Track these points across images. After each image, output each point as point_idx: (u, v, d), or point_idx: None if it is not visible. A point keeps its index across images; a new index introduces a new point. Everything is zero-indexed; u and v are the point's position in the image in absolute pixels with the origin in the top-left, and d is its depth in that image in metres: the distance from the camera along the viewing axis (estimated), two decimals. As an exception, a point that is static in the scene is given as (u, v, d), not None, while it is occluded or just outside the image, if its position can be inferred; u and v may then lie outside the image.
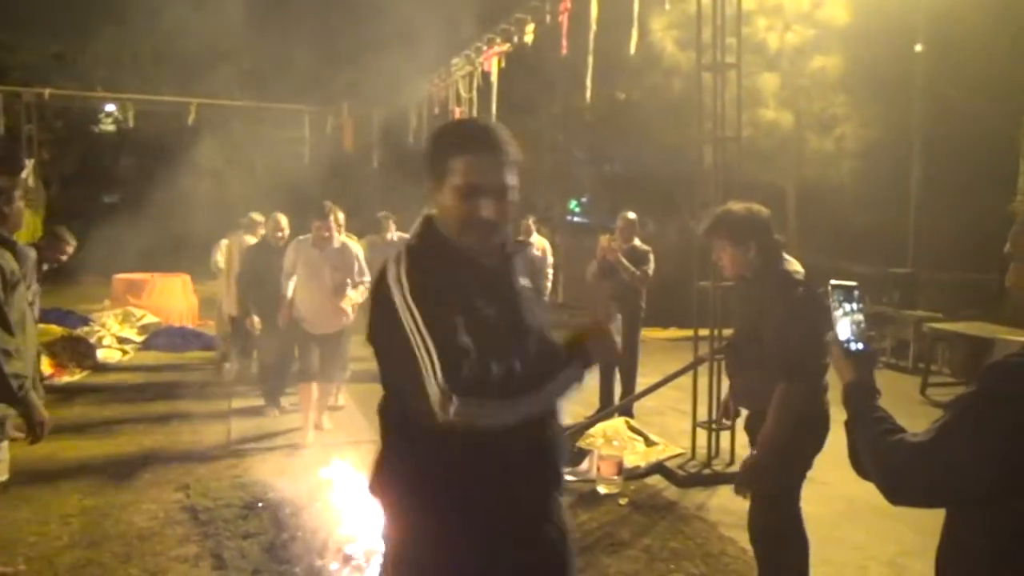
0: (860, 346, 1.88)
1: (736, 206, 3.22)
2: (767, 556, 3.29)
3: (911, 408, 8.13)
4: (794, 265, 3.14)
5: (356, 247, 6.43)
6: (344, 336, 6.35)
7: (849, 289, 1.92)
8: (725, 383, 5.57)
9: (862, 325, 1.91)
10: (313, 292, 5.98)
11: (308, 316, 6.01)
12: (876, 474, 1.71)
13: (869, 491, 5.21)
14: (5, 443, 3.51)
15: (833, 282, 1.92)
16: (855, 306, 1.91)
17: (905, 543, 4.42)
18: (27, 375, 3.20)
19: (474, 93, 10.61)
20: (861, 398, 1.82)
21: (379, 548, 3.88)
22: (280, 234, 6.69)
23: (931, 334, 8.91)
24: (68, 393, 7.72)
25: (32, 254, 4.21)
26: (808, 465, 3.20)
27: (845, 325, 1.90)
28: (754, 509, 3.24)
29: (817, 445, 3.15)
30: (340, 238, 6.22)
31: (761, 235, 3.11)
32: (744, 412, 3.47)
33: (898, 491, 1.67)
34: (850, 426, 1.83)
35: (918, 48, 13.08)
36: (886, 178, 13.37)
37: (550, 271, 9.53)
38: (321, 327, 6.04)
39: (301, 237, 6.11)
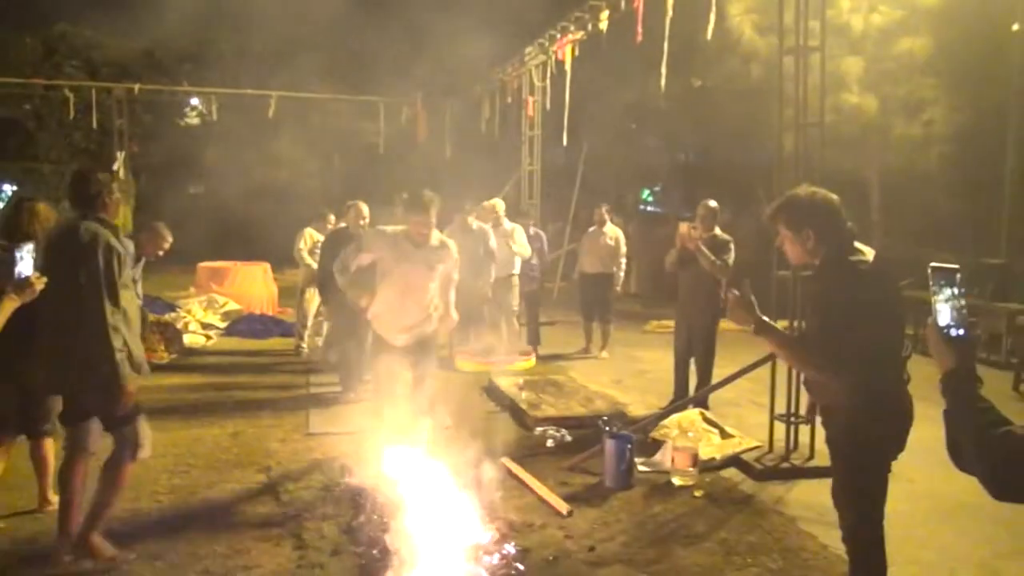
0: (961, 332, 1.80)
1: (802, 191, 3.11)
2: (858, 566, 3.15)
3: (1004, 404, 7.67)
4: (867, 255, 2.96)
5: (454, 246, 5.22)
6: (431, 343, 5.32)
7: (950, 272, 1.84)
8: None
9: (963, 310, 1.82)
10: (401, 295, 5.00)
11: (388, 322, 5.08)
12: (981, 468, 1.65)
13: (957, 488, 5.07)
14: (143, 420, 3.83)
15: (933, 264, 1.85)
16: (956, 290, 1.82)
17: (998, 544, 4.24)
18: (121, 348, 3.56)
19: (547, 82, 10.59)
20: (962, 386, 1.75)
21: (452, 529, 3.93)
22: (363, 222, 6.80)
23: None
24: (156, 376, 8.04)
25: (130, 246, 4.42)
26: (886, 471, 3.05)
27: (945, 310, 1.83)
28: (848, 513, 3.12)
29: (899, 446, 3.01)
30: (437, 235, 5.13)
31: (821, 222, 2.97)
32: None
33: (1006, 487, 1.63)
34: (950, 416, 1.77)
35: (1015, 27, 12.42)
36: (978, 164, 12.78)
37: (623, 260, 9.45)
38: (403, 336, 5.07)
39: (388, 228, 5.16)
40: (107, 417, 3.78)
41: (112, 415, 3.73)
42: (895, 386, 2.93)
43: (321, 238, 8.98)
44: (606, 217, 9.54)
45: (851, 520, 3.09)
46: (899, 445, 3.01)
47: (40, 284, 3.35)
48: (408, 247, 4.89)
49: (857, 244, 3.00)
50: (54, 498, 4.27)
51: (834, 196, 3.05)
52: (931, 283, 1.84)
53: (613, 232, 9.43)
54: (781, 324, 5.56)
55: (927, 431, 6.60)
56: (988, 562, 4.02)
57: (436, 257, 4.96)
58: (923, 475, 5.34)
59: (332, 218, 9.13)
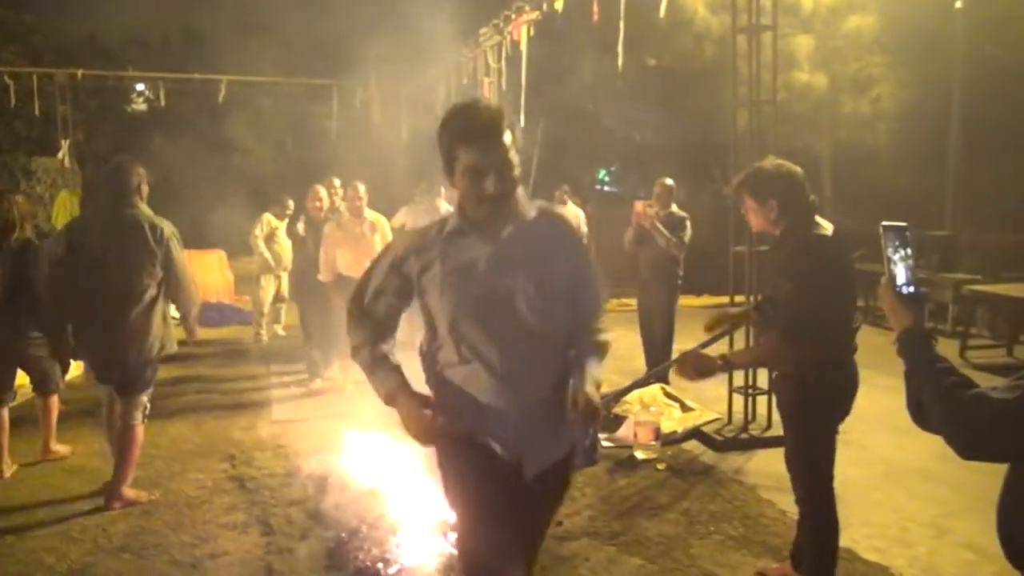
0: (912, 289, 1.80)
1: (768, 163, 3.21)
2: (812, 513, 3.30)
3: (950, 372, 8.02)
4: (826, 230, 3.07)
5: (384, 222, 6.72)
6: None
7: (900, 230, 1.84)
8: (762, 349, 5.57)
9: (913, 267, 1.83)
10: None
11: None
12: (951, 428, 1.64)
13: (908, 453, 5.25)
14: None
15: (884, 223, 1.84)
16: (907, 249, 1.82)
17: (947, 504, 4.41)
18: (161, 321, 4.35)
19: (503, 63, 10.55)
20: (920, 346, 1.73)
21: (419, 510, 3.96)
22: (358, 203, 6.69)
23: (971, 297, 8.77)
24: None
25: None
26: (834, 434, 3.21)
27: (900, 269, 1.82)
28: (798, 466, 3.27)
29: (845, 411, 3.17)
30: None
31: (785, 194, 3.09)
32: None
33: (978, 447, 1.61)
34: (911, 376, 1.75)
35: (958, 4, 12.71)
36: (924, 140, 13.09)
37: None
38: None
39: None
40: (135, 382, 4.29)
41: (142, 381, 4.32)
42: (846, 355, 3.10)
43: (280, 225, 8.88)
44: (566, 198, 9.59)
45: (803, 482, 3.25)
46: (846, 410, 3.17)
47: None
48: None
49: (817, 218, 3.10)
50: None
51: (798, 169, 3.15)
52: (883, 242, 1.82)
53: (573, 212, 9.49)
54: (739, 298, 5.71)
55: (879, 399, 6.80)
56: (938, 521, 4.18)
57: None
58: (876, 441, 5.53)
59: (291, 204, 9.02)
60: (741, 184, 3.22)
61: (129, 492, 4.37)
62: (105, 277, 4.12)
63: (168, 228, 4.27)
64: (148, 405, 4.41)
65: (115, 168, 4.32)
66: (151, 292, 4.21)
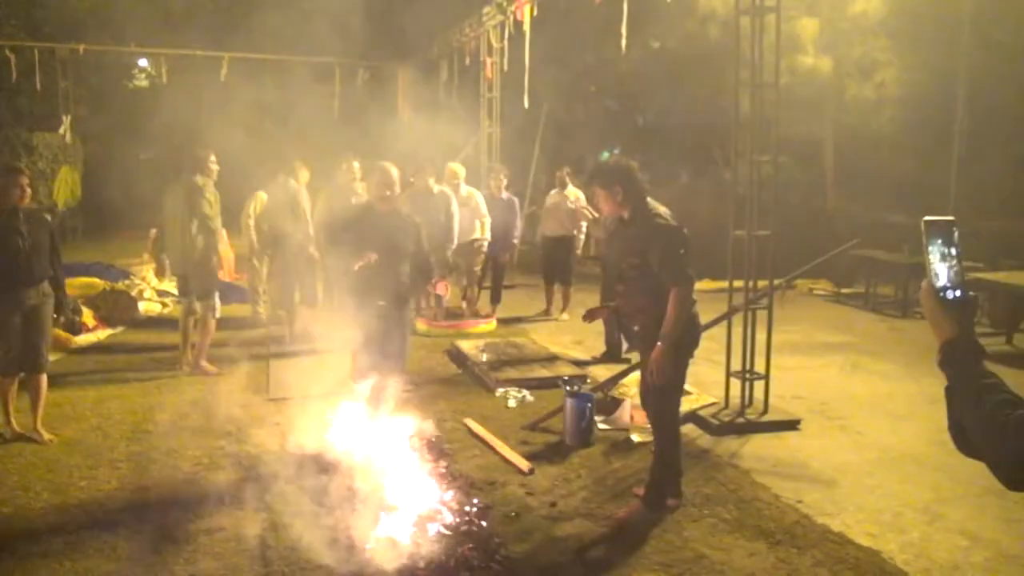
0: (958, 293, 1.55)
1: (610, 159, 4.19)
2: (660, 434, 4.10)
3: (949, 359, 8.01)
4: (660, 208, 3.93)
5: None
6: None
7: (945, 226, 1.58)
8: (761, 333, 5.58)
9: (959, 269, 1.57)
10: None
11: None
12: (997, 455, 1.41)
13: (903, 439, 5.27)
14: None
15: (927, 218, 1.60)
16: (952, 248, 1.57)
17: (941, 491, 4.42)
18: (214, 247, 6.76)
19: (505, 43, 10.48)
20: (965, 358, 1.50)
21: (415, 489, 3.98)
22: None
23: (971, 284, 8.71)
24: (112, 345, 7.94)
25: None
26: (685, 367, 4.02)
27: (942, 269, 1.57)
28: (653, 397, 4.04)
29: (693, 346, 4.03)
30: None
31: (627, 181, 3.91)
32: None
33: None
34: (953, 394, 1.52)
35: (965, -12, 12.61)
36: (928, 126, 13.02)
37: (584, 223, 9.45)
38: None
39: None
40: (205, 288, 6.57)
41: (209, 288, 6.61)
42: (694, 304, 3.98)
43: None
44: (567, 180, 9.55)
45: (655, 407, 4.08)
46: (693, 347, 4.03)
47: None
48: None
49: (650, 200, 3.95)
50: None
51: (632, 162, 4.04)
52: (924, 239, 1.58)
53: (574, 194, 9.44)
54: (737, 283, 5.70)
55: (876, 385, 6.81)
56: (931, 507, 4.19)
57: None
58: (871, 427, 5.54)
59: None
60: (591, 178, 4.14)
61: (206, 365, 6.64)
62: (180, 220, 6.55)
63: (208, 192, 6.69)
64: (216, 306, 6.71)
65: (193, 153, 6.65)
66: (209, 228, 6.60)
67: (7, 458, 4.70)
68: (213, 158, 6.78)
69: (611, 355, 7.35)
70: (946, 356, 1.53)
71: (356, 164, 8.30)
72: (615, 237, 4.18)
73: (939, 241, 1.58)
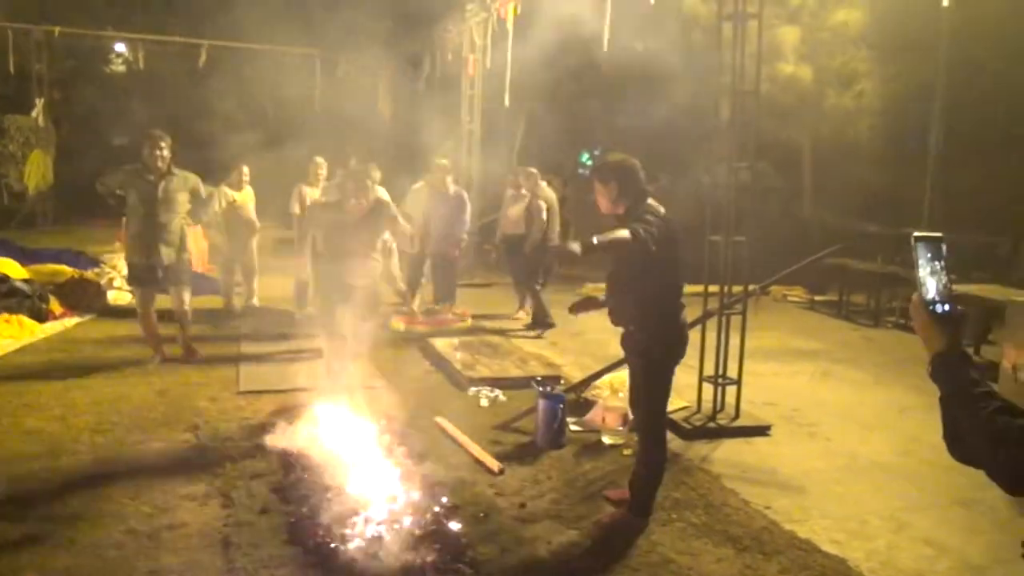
0: (947, 308, 1.62)
1: (611, 156, 4.01)
2: (643, 441, 4.03)
3: (919, 368, 8.06)
4: (659, 210, 3.82)
5: None
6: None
7: (934, 241, 1.65)
8: (735, 339, 5.60)
9: (947, 283, 1.65)
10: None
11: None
12: (995, 462, 1.47)
13: (871, 448, 5.29)
14: None
15: (916, 233, 1.67)
16: (940, 262, 1.64)
17: (907, 499, 4.45)
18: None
19: (488, 40, 10.45)
20: (957, 370, 1.56)
21: (383, 487, 3.94)
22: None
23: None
24: (78, 334, 7.80)
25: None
26: (671, 374, 3.95)
27: (931, 283, 1.64)
28: (639, 404, 4.03)
29: (679, 355, 3.94)
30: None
31: (623, 178, 3.85)
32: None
33: None
34: (947, 402, 1.58)
35: (945, 2, 12.74)
36: (905, 137, 13.17)
37: (557, 224, 9.36)
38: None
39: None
40: (180, 277, 6.50)
41: (185, 276, 6.56)
42: (677, 309, 3.91)
43: (237, 195, 8.69)
44: (541, 182, 9.56)
45: (644, 414, 4.01)
46: (680, 354, 3.94)
47: None
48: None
49: (652, 201, 3.84)
50: None
51: (635, 161, 3.90)
52: (914, 254, 1.65)
53: (546, 194, 9.43)
54: (712, 288, 5.71)
55: (846, 393, 6.85)
56: (897, 515, 4.22)
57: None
58: (840, 434, 5.58)
59: (245, 170, 8.80)
60: (592, 174, 4.08)
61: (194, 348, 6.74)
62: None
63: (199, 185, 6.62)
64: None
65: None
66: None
67: (-35, 447, 4.59)
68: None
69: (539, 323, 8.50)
70: (937, 368, 1.59)
71: (319, 159, 8.31)
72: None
73: (928, 256, 1.65)
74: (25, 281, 8.14)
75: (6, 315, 7.45)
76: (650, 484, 3.99)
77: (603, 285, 4.17)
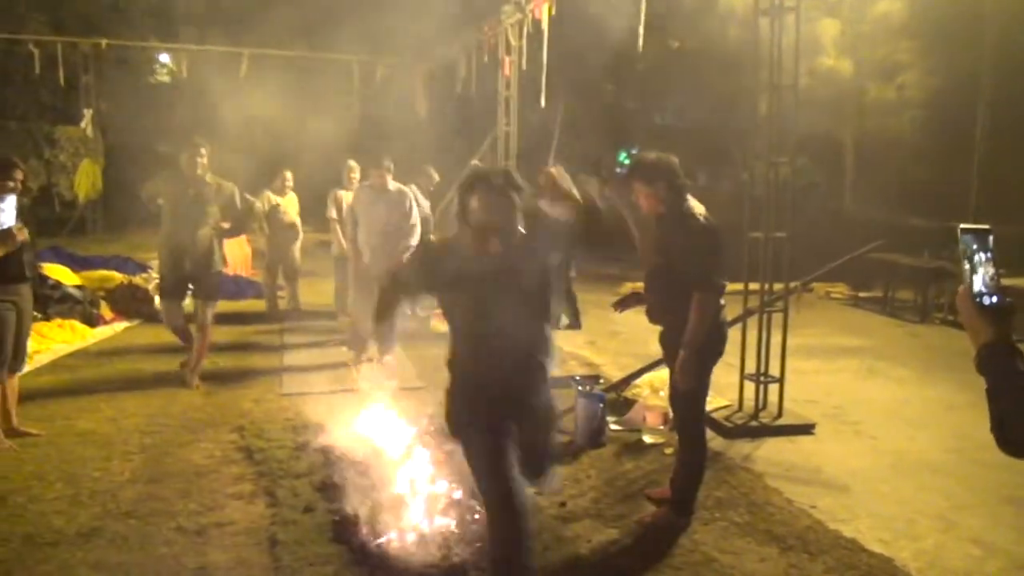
0: (994, 299, 1.63)
1: (648, 154, 3.91)
2: (684, 439, 3.99)
3: (967, 364, 7.88)
4: (698, 207, 3.79)
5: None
6: None
7: (981, 234, 1.66)
8: (776, 336, 5.54)
9: (994, 275, 1.65)
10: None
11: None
12: None
13: (918, 446, 5.20)
14: None
15: (963, 226, 1.67)
16: (987, 254, 1.65)
17: (956, 498, 4.36)
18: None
19: (523, 41, 10.46)
20: (1004, 361, 1.56)
21: (424, 487, 3.98)
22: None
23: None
24: (127, 338, 8.00)
25: None
26: (710, 373, 3.93)
27: (978, 276, 1.64)
28: (677, 403, 4.00)
29: (719, 353, 3.91)
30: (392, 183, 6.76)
31: (669, 177, 3.78)
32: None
33: None
34: (995, 394, 1.58)
35: (989, -9, 12.47)
36: (950, 129, 12.88)
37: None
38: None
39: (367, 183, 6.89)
40: (208, 291, 6.08)
41: (212, 290, 6.13)
42: (717, 308, 3.83)
43: (281, 200, 8.87)
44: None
45: (682, 415, 4.01)
46: (720, 352, 3.91)
47: (22, 235, 4.15)
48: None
49: (691, 198, 3.81)
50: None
51: (675, 158, 3.85)
52: (961, 246, 1.65)
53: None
54: (753, 285, 5.66)
55: (892, 391, 6.74)
56: (945, 514, 4.14)
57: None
58: (886, 433, 5.49)
59: (289, 177, 8.98)
60: (630, 172, 3.92)
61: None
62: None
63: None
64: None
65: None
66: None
67: (22, 448, 4.74)
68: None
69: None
70: (984, 359, 1.59)
71: (352, 163, 8.31)
72: (647, 233, 4.06)
73: (975, 247, 1.65)
74: (77, 287, 8.37)
75: (59, 320, 7.66)
76: (691, 483, 3.96)
77: (642, 284, 4.16)
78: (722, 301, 3.85)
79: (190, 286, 6.14)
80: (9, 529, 3.72)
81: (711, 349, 3.85)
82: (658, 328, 4.05)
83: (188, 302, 6.36)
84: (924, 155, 13.08)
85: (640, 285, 4.25)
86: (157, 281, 6.95)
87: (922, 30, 12.22)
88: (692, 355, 3.71)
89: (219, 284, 6.36)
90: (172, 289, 6.10)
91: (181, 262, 5.94)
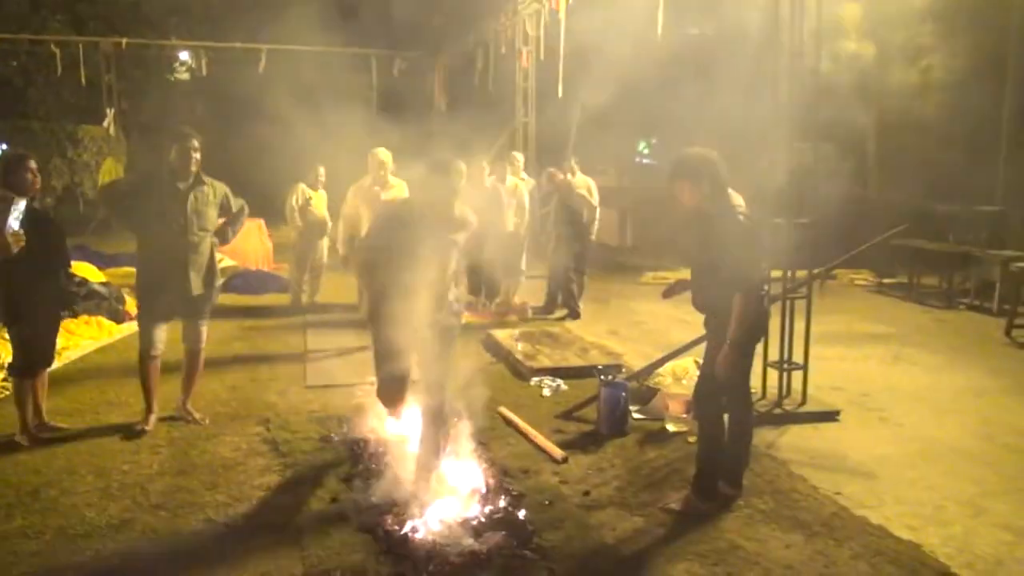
0: None
1: (690, 150, 3.91)
2: (701, 426, 4.04)
3: (996, 350, 7.85)
4: (738, 200, 3.93)
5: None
6: None
7: None
8: (799, 323, 5.50)
9: None
10: None
11: None
12: None
13: (947, 432, 5.16)
14: None
15: None
16: None
17: (986, 484, 4.32)
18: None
19: (541, 31, 10.44)
20: None
21: (449, 476, 3.99)
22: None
23: (1019, 274, 8.53)
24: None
25: None
26: (751, 358, 4.05)
27: None
28: (702, 391, 4.03)
29: (758, 339, 4.14)
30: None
31: (713, 173, 3.82)
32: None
33: None
34: None
35: (1014, -30, 12.24)
36: (975, 112, 12.66)
37: (598, 210, 9.34)
38: None
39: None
40: (206, 308, 5.21)
41: (209, 306, 5.23)
42: (760, 295, 4.02)
43: (314, 194, 8.94)
44: (575, 168, 9.55)
45: (706, 396, 4.02)
46: (759, 338, 4.19)
47: (19, 244, 4.24)
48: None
49: (731, 191, 3.91)
50: None
51: (715, 153, 3.89)
52: None
53: (583, 182, 9.41)
54: (776, 272, 5.61)
55: (920, 377, 6.67)
56: (974, 500, 4.10)
57: None
58: (912, 419, 5.44)
59: (322, 171, 9.05)
60: (675, 170, 3.89)
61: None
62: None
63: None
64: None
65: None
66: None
67: (53, 440, 4.82)
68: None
69: (546, 309, 8.91)
70: None
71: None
72: (688, 227, 4.10)
73: None
74: (103, 284, 8.47)
75: (86, 316, 7.77)
76: (710, 465, 3.98)
77: (665, 274, 4.19)
78: (765, 287, 3.99)
79: (182, 306, 5.09)
80: (42, 521, 3.78)
81: (751, 335, 3.95)
82: (680, 318, 4.08)
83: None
84: (949, 139, 12.88)
85: (686, 273, 4.24)
86: (137, 305, 5.49)
87: (946, 12, 12.01)
88: (734, 350, 3.78)
89: (212, 300, 5.28)
90: (161, 310, 5.05)
91: (177, 278, 4.92)
